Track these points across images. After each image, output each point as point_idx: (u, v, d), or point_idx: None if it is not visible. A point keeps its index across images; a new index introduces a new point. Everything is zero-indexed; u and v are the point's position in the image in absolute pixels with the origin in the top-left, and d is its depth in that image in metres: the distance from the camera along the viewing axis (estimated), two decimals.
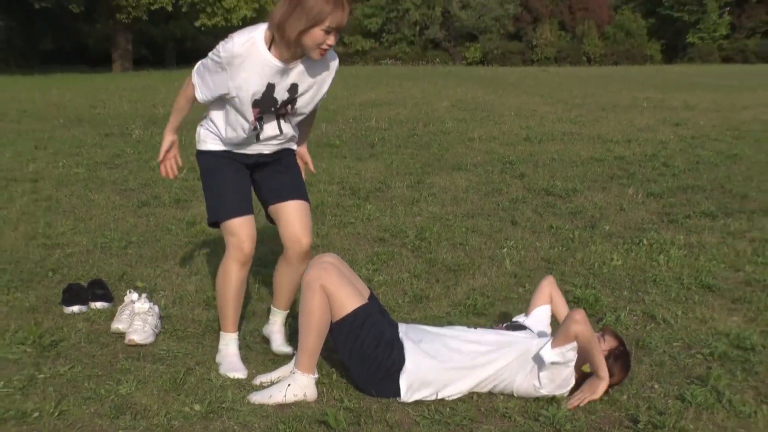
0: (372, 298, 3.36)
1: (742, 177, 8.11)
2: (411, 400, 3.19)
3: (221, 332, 3.65)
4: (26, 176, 8.16)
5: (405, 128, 12.57)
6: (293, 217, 3.56)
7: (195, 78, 3.37)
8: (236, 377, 3.42)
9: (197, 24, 37.64)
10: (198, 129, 3.58)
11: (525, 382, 3.21)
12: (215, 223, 3.56)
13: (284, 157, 3.63)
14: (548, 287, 3.71)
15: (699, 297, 4.49)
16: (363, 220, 6.31)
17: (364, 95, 19.76)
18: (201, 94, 3.37)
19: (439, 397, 3.21)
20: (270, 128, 3.44)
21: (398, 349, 3.24)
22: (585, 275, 4.91)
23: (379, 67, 45.03)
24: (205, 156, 3.57)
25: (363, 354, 3.21)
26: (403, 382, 3.19)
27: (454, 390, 3.23)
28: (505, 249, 5.47)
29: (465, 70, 40.61)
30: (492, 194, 7.37)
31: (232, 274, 3.52)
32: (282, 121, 3.45)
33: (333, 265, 3.26)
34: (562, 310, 3.66)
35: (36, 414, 3.07)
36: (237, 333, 3.66)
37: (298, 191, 3.63)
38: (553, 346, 3.14)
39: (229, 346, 3.61)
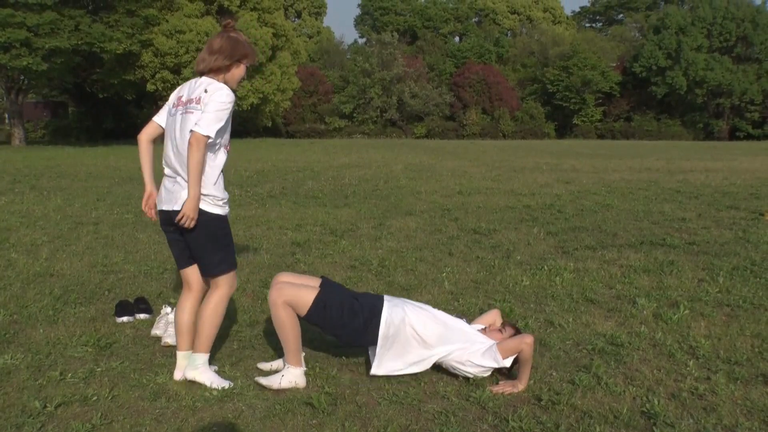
0: (323, 284, 3.30)
1: (613, 221, 8.23)
2: (381, 371, 3.18)
3: (204, 354, 3.20)
4: (90, 220, 8.04)
5: (370, 184, 12.61)
6: None
7: (213, 134, 2.98)
8: (228, 386, 3.16)
9: None
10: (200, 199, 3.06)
11: (459, 362, 3.22)
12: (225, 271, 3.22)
13: None
14: (494, 315, 3.70)
15: (584, 308, 4.52)
16: (339, 252, 6.29)
17: (340, 160, 19.81)
18: (215, 135, 3.01)
19: (405, 372, 3.20)
20: None
21: (360, 306, 3.22)
22: (503, 292, 4.93)
23: (351, 139, 45.27)
24: (223, 220, 3.16)
25: (335, 324, 3.20)
26: (382, 328, 3.18)
27: (416, 358, 3.22)
28: (444, 273, 5.47)
29: (414, 142, 40.92)
30: (434, 233, 7.39)
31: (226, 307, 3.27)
32: None
33: (284, 282, 3.24)
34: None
35: (95, 398, 3.02)
36: None
37: None
38: (500, 349, 3.20)
39: (209, 365, 3.28)
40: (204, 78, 3.14)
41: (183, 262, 3.29)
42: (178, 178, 3.11)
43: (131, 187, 11.89)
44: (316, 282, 3.33)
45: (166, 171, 3.18)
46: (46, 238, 6.83)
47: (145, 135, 3.30)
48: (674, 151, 28.00)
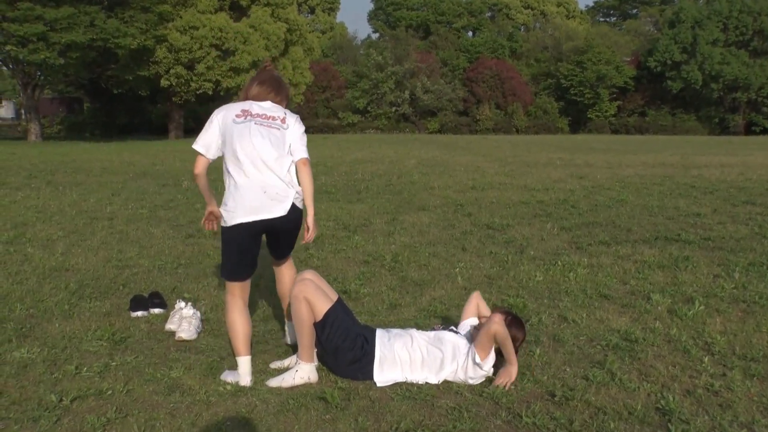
0: (338, 301, 3.29)
1: (627, 216, 8.17)
2: (384, 381, 3.15)
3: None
4: (105, 215, 8.10)
5: (383, 179, 12.60)
6: None
7: None
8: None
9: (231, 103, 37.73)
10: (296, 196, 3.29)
11: (461, 380, 3.19)
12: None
13: None
14: (475, 299, 3.66)
15: (598, 303, 4.50)
16: (352, 247, 6.29)
17: (353, 155, 19.81)
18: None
19: (408, 380, 3.18)
20: None
21: (362, 341, 3.20)
22: (516, 288, 4.91)
23: (364, 134, 45.27)
24: None
25: (335, 347, 3.18)
26: (377, 364, 3.17)
27: (418, 377, 3.20)
28: (458, 269, 5.46)
29: (427, 137, 40.86)
30: (447, 228, 7.37)
31: None
32: None
33: (310, 280, 3.26)
34: (485, 312, 3.60)
35: (109, 392, 3.04)
36: None
37: None
38: (478, 349, 3.15)
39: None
40: (276, 104, 3.38)
41: (252, 269, 3.32)
42: (273, 188, 3.18)
43: (145, 182, 11.96)
44: (334, 295, 3.33)
45: (253, 181, 3.16)
46: (62, 233, 6.88)
47: (203, 170, 3.27)
48: (689, 146, 27.75)
